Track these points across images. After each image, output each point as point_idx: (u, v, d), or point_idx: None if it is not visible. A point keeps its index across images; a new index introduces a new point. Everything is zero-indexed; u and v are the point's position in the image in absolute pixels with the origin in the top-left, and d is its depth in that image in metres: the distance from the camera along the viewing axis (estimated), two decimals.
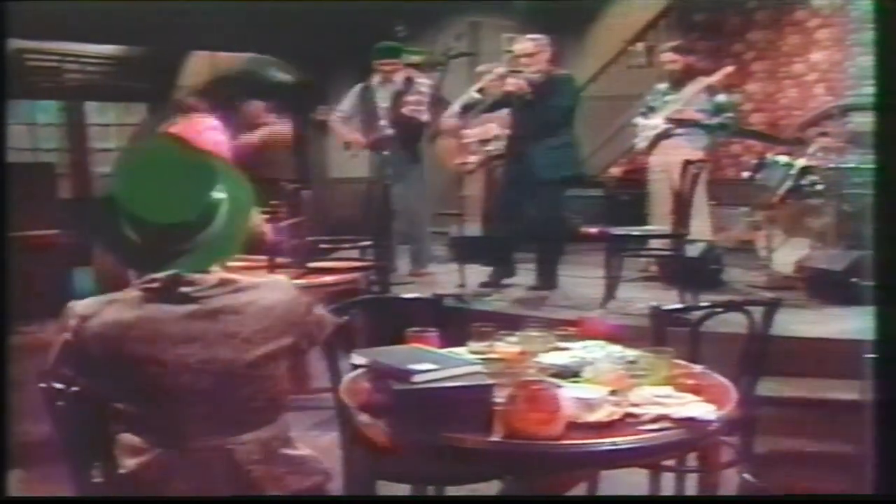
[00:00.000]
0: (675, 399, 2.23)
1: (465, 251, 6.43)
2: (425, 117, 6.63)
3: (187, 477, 2.06)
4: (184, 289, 2.05)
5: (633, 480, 3.16)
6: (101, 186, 9.42)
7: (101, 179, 9.58)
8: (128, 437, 2.13)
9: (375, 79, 6.84)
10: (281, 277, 2.31)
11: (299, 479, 2.18)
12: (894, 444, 1.95)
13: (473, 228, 7.11)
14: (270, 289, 2.17)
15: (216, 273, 2.12)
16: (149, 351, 2.01)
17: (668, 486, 3.13)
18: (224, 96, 3.29)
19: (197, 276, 2.07)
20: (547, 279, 6.09)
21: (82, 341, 2.03)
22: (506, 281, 6.21)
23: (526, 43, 6.03)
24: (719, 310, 3.17)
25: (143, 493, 2.09)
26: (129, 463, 2.10)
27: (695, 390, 2.32)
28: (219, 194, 2.11)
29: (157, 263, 2.06)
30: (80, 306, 2.06)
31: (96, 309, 2.05)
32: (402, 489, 2.88)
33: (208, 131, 3.20)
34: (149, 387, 2.04)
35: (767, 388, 3.44)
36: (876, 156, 2.10)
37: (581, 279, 6.17)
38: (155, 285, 2.05)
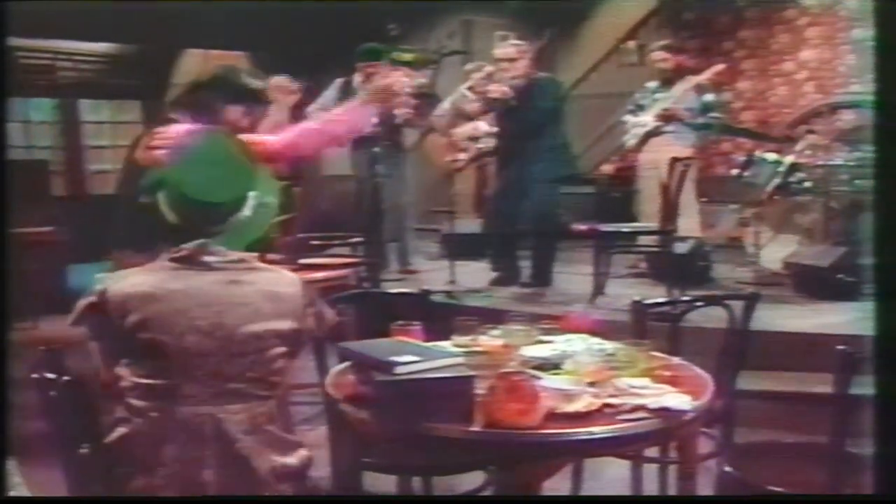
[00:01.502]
0: (652, 390, 2.28)
1: (456, 248, 6.48)
2: (412, 117, 6.68)
3: (176, 442, 2.15)
4: (207, 258, 2.24)
5: (617, 473, 3.22)
6: (98, 185, 9.46)
7: (96, 176, 9.64)
8: (120, 410, 2.22)
9: (357, 77, 6.89)
10: (288, 271, 2.48)
11: (283, 456, 2.24)
12: (894, 443, 1.99)
13: (464, 225, 7.15)
14: (282, 277, 2.36)
15: (238, 253, 2.30)
16: (162, 312, 2.17)
17: (650, 477, 3.18)
18: (203, 104, 3.34)
19: (220, 248, 2.26)
20: (541, 276, 6.14)
21: (103, 303, 2.20)
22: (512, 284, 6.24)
23: (508, 48, 6.05)
24: (699, 304, 3.23)
25: (131, 457, 2.18)
26: (118, 430, 2.19)
27: (672, 382, 2.38)
28: (250, 192, 2.37)
29: (191, 240, 2.27)
30: (108, 277, 2.29)
31: (123, 276, 2.26)
32: (389, 480, 2.93)
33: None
34: (155, 347, 2.17)
35: (752, 381, 3.51)
36: (875, 153, 2.14)
37: (570, 275, 6.22)
38: (182, 254, 2.24)
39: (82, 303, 2.25)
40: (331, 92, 6.93)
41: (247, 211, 2.35)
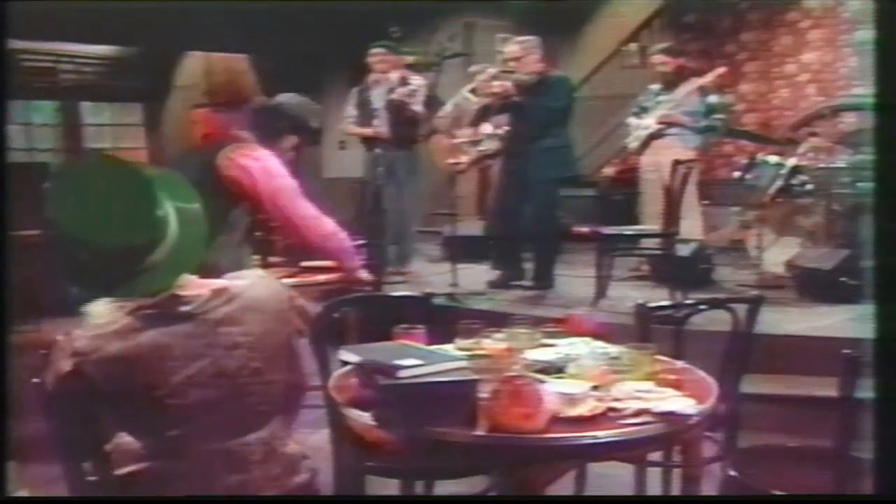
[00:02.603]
0: (656, 394, 2.27)
1: (458, 250, 6.47)
2: (418, 108, 6.67)
3: (187, 479, 2.07)
4: (183, 308, 2.04)
5: (620, 476, 3.20)
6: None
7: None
8: (126, 441, 2.15)
9: (371, 78, 6.89)
10: (259, 271, 2.30)
11: (291, 478, 2.21)
12: (894, 443, 1.98)
13: (466, 228, 7.14)
14: (257, 288, 2.19)
15: (206, 283, 2.11)
16: (159, 377, 2.00)
17: (654, 480, 3.17)
18: (272, 129, 3.53)
19: (192, 292, 2.06)
20: (543, 278, 6.13)
21: (86, 376, 1.98)
22: (514, 283, 6.23)
23: (513, 46, 6.07)
24: (703, 307, 3.21)
25: (140, 494, 2.10)
26: (128, 467, 2.12)
27: (676, 385, 2.37)
28: (164, 208, 2.03)
29: (114, 285, 2.01)
30: (77, 342, 2.00)
31: (95, 344, 2.00)
32: (392, 484, 2.91)
33: (265, 162, 3.41)
34: (159, 409, 2.03)
35: (756, 385, 3.50)
36: (877, 155, 2.13)
37: (573, 278, 6.21)
38: (150, 309, 2.02)
39: (54, 373, 2.00)
40: (350, 102, 6.97)
41: (171, 239, 2.02)
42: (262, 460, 2.14)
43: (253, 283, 2.21)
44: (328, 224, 3.56)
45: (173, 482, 2.08)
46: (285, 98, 3.69)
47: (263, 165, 3.39)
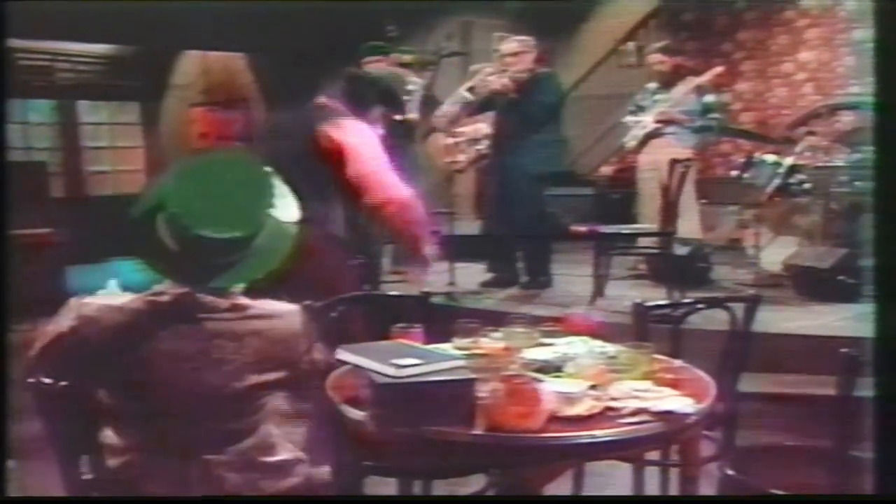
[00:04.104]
0: (654, 393, 2.27)
1: (455, 249, 6.46)
2: (412, 114, 6.66)
3: (163, 481, 2.07)
4: (193, 310, 2.05)
5: (618, 475, 3.20)
6: (97, 186, 9.46)
7: (94, 177, 9.63)
8: (109, 436, 2.15)
9: None
10: (294, 308, 2.22)
11: (274, 484, 2.19)
12: (894, 443, 1.98)
13: (464, 227, 7.13)
14: (280, 321, 2.16)
15: (230, 298, 2.10)
16: (140, 364, 2.02)
17: (652, 480, 3.17)
18: (361, 100, 3.63)
19: (209, 299, 2.05)
20: (540, 276, 6.12)
21: (78, 340, 2.04)
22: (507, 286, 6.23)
23: (512, 43, 6.11)
24: (701, 306, 3.21)
25: (118, 493, 2.11)
26: (108, 462, 2.13)
27: (674, 385, 2.36)
28: (267, 219, 2.08)
29: (196, 275, 2.04)
30: (85, 307, 2.06)
31: (100, 313, 2.05)
32: (390, 484, 2.91)
33: (363, 136, 3.49)
34: (135, 395, 2.06)
35: (754, 384, 3.50)
36: (875, 154, 2.13)
37: (570, 277, 6.21)
38: (164, 299, 2.04)
39: (48, 332, 2.08)
40: None
41: (261, 239, 2.06)
42: (242, 468, 2.13)
43: (280, 314, 2.18)
44: (407, 193, 3.57)
45: (151, 484, 2.08)
46: (374, 69, 3.79)
47: (350, 133, 3.48)
